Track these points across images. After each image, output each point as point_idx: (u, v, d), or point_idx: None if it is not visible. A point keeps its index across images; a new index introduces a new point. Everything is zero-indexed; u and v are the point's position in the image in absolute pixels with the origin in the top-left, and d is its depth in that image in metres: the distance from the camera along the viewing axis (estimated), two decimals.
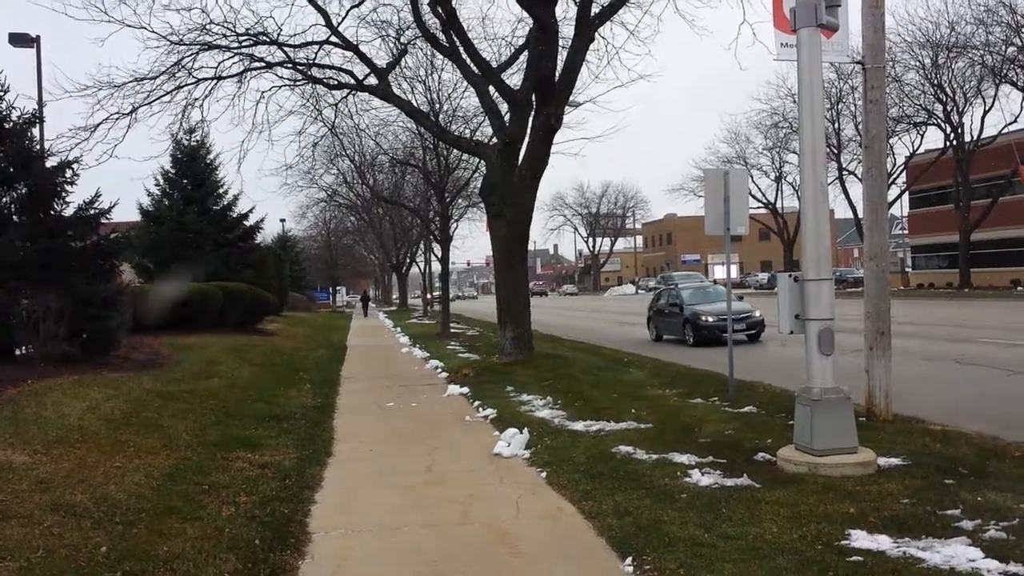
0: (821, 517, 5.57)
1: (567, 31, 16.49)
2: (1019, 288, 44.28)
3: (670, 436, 8.55)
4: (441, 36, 17.74)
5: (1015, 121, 45.40)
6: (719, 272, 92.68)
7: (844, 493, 6.12)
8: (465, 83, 20.97)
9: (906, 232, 61.97)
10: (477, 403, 11.74)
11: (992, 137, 47.37)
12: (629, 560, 5.01)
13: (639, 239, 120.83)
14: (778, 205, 67.94)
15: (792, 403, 7.63)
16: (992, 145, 47.04)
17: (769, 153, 64.56)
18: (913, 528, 5.29)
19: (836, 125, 53.25)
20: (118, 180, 17.56)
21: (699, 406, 10.44)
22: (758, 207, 65.67)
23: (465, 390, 13.09)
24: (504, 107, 17.46)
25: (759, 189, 66.02)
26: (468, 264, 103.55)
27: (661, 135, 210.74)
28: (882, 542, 5.03)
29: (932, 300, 39.41)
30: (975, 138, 48.52)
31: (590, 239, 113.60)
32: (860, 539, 5.10)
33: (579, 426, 9.46)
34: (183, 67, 16.18)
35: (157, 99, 16.10)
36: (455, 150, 26.83)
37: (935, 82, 46.90)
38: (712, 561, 4.87)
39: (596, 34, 16.24)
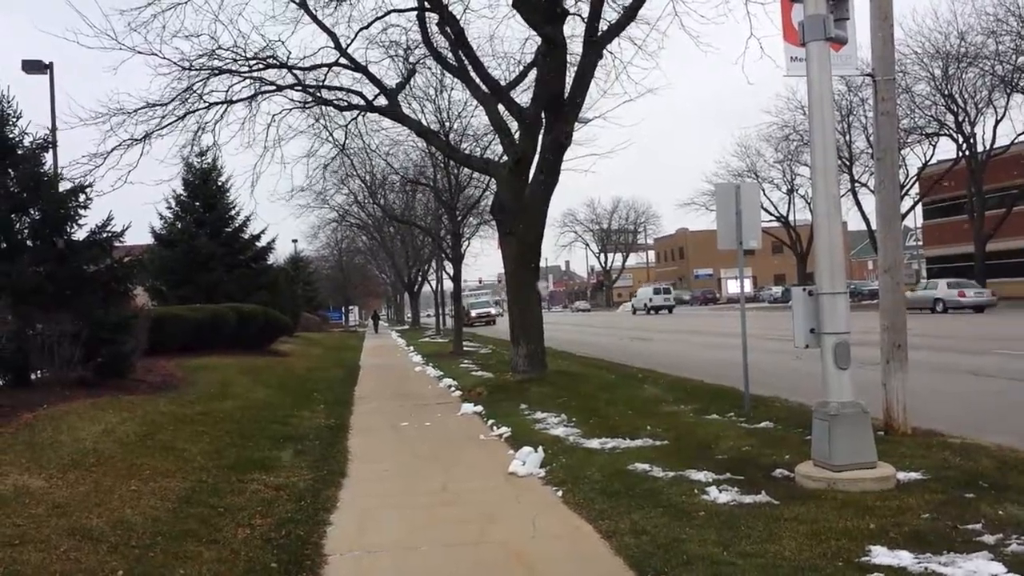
0: (841, 533, 5.51)
1: (575, 48, 16.57)
2: None
3: (687, 453, 8.49)
4: (450, 56, 17.85)
5: None
6: (733, 287, 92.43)
7: (864, 508, 6.05)
8: (475, 102, 21.08)
9: (920, 243, 61.67)
10: (491, 421, 11.70)
11: (1005, 147, 47.20)
12: None
13: (651, 254, 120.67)
14: (790, 218, 67.74)
15: (809, 418, 7.57)
16: (1005, 154, 46.86)
17: (780, 166, 64.44)
18: (934, 543, 5.22)
19: (847, 137, 53.16)
20: (131, 204, 17.70)
21: (715, 422, 10.37)
22: (770, 220, 65.51)
23: (479, 408, 13.06)
24: (514, 125, 17.52)
25: (771, 202, 65.87)
26: (480, 281, 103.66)
27: (673, 149, 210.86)
28: (903, 558, 4.97)
29: (948, 312, 39.11)
30: (987, 148, 48.34)
31: (602, 255, 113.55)
32: (880, 555, 5.04)
33: (594, 444, 9.41)
34: (194, 92, 16.34)
35: (169, 124, 16.25)
36: (466, 168, 26.94)
37: (946, 93, 46.80)
38: None
39: (604, 50, 16.30)
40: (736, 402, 11.47)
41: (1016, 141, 46.15)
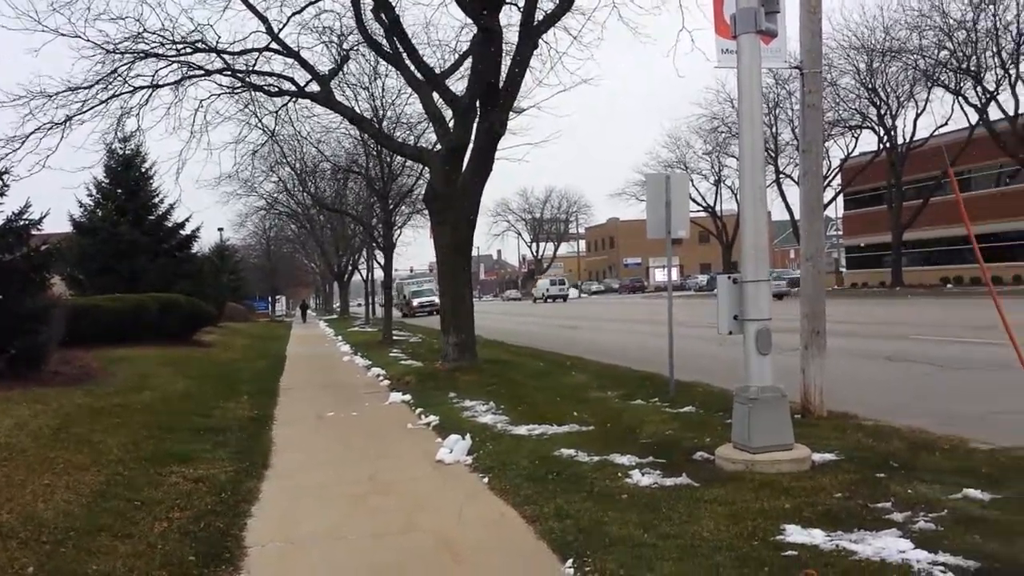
0: (757, 513, 5.65)
1: (511, 37, 16.53)
2: (949, 286, 45.62)
3: (612, 438, 8.59)
4: (384, 42, 17.63)
5: (946, 123, 46.87)
6: (660, 275, 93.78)
7: (780, 489, 6.21)
8: (409, 89, 20.88)
9: (840, 233, 63.50)
10: (420, 410, 11.66)
11: (924, 139, 48.82)
12: (570, 562, 5.01)
13: (582, 243, 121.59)
14: (717, 208, 69.03)
15: (730, 402, 7.73)
16: (924, 147, 48.46)
17: (709, 157, 65.66)
18: (846, 521, 5.39)
19: (774, 129, 54.42)
20: (49, 191, 17.10)
21: (640, 407, 10.52)
22: (698, 210, 66.70)
23: (407, 397, 12.99)
24: (448, 113, 17.42)
25: (699, 192, 67.14)
26: (411, 271, 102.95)
27: (606, 143, 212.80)
28: (816, 536, 5.11)
29: (865, 299, 40.36)
30: (907, 140, 49.93)
31: (533, 244, 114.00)
32: (795, 534, 5.17)
33: (522, 430, 9.46)
34: (118, 76, 15.83)
35: (91, 109, 15.73)
36: (399, 156, 26.70)
37: (870, 86, 48.21)
38: (651, 560, 4.89)
39: (540, 40, 16.31)
40: (661, 388, 11.66)
41: (935, 134, 47.72)
